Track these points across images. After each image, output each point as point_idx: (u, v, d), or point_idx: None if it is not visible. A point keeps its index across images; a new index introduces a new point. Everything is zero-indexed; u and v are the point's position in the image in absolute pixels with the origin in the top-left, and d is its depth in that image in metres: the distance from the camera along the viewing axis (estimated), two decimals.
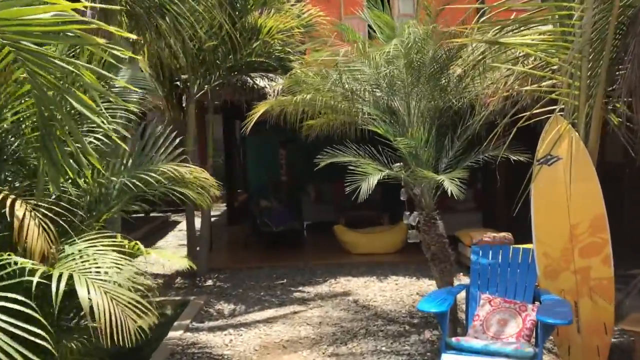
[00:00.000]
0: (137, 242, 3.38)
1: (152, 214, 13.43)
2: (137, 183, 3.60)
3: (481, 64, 5.06)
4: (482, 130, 5.17)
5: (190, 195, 3.93)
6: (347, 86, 5.19)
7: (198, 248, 8.06)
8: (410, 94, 5.19)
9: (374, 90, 5.31)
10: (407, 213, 5.42)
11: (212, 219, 13.46)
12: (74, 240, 3.02)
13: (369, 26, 5.84)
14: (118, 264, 2.92)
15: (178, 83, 8.00)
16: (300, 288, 7.15)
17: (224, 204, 15.71)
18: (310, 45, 7.46)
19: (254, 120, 6.09)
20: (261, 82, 7.83)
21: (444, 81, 5.30)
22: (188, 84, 7.56)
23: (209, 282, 7.57)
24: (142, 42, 5.85)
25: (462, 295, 4.68)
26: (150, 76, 7.85)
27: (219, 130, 17.06)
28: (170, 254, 3.52)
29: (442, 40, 5.05)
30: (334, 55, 5.24)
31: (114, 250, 2.99)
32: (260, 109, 5.96)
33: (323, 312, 6.16)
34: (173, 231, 12.15)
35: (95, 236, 3.11)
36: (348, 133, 5.91)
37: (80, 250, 2.94)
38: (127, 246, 3.24)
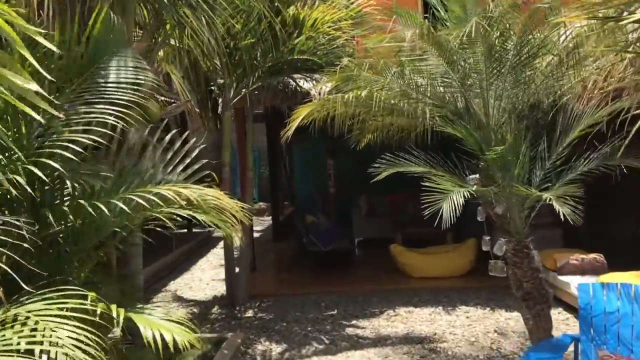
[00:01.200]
0: (111, 305, 2.39)
1: (194, 229, 12.73)
2: (123, 207, 2.65)
3: (581, 48, 3.95)
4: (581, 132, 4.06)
5: (205, 220, 2.99)
6: (410, 80, 4.16)
7: (237, 269, 7.14)
8: (488, 89, 4.13)
9: (444, 85, 4.26)
10: (487, 238, 4.30)
11: (256, 234, 12.75)
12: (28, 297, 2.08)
13: (432, 8, 4.77)
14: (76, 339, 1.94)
15: (213, 87, 7.15)
16: (354, 322, 6.10)
17: (269, 217, 14.87)
18: (362, 31, 6.45)
19: (295, 126, 5.12)
20: (305, 85, 6.88)
21: (529, 72, 4.20)
22: (224, 88, 6.68)
23: (249, 313, 6.63)
24: (161, 36, 4.98)
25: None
26: (183, 78, 7.11)
27: (262, 139, 16.30)
28: (167, 324, 2.58)
29: (531, 18, 3.97)
30: (393, 42, 4.20)
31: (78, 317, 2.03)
32: (302, 112, 4.99)
33: (382, 356, 5.11)
34: (215, 248, 11.31)
35: (57, 294, 2.16)
36: (407, 138, 4.92)
37: (29, 313, 2.00)
38: (98, 309, 2.28)
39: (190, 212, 2.95)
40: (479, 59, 4.09)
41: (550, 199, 3.13)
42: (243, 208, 3.25)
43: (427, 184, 3.45)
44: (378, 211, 10.89)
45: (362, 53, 5.62)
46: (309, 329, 5.95)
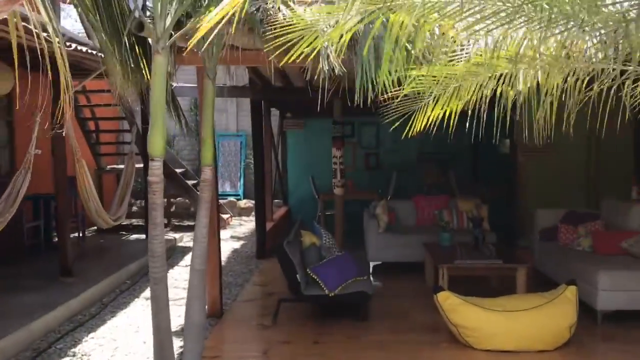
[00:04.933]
0: None
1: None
2: None
3: None
4: None
5: None
6: None
7: (183, 323, 4.10)
8: None
9: None
10: None
11: (236, 244, 9.72)
12: None
13: None
14: None
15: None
16: None
17: (252, 220, 11.82)
18: None
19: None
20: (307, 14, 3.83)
21: None
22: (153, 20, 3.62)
23: None
24: None
25: None
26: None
27: (246, 120, 13.19)
28: None
29: None
30: None
31: None
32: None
33: None
34: (178, 266, 8.31)
35: None
36: None
37: None
38: None
39: None
40: None
41: None
42: None
43: None
44: (402, 222, 7.91)
45: None
46: None
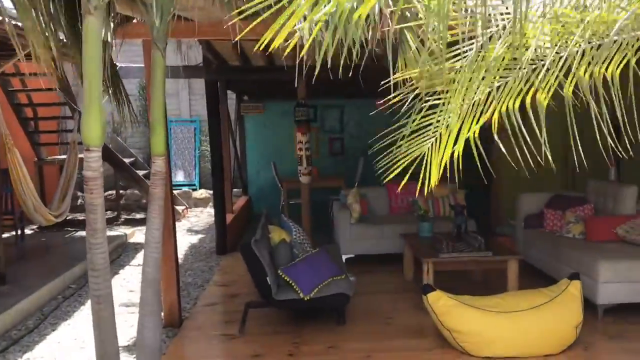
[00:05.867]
0: None
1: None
2: None
3: None
4: None
5: None
6: None
7: (136, 338, 3.41)
8: None
9: None
10: None
11: (194, 239, 8.85)
12: None
13: None
14: None
15: None
16: None
17: (210, 211, 11.03)
18: None
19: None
20: None
21: None
22: None
23: None
24: None
25: None
26: None
27: (200, 105, 12.45)
28: None
29: None
30: None
31: None
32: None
33: None
34: (126, 267, 7.53)
35: None
36: None
37: None
38: None
39: None
40: None
41: None
42: None
43: None
44: (376, 212, 7.36)
45: None
46: None
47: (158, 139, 3.48)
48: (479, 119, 2.15)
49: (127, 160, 10.98)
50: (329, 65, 1.88)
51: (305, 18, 1.62)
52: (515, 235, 6.45)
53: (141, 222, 10.04)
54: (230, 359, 4.29)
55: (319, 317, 4.92)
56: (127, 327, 4.95)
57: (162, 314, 5.03)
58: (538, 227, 6.07)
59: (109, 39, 3.46)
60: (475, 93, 2.11)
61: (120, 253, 8.14)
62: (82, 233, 8.85)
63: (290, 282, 4.54)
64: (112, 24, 3.50)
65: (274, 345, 4.40)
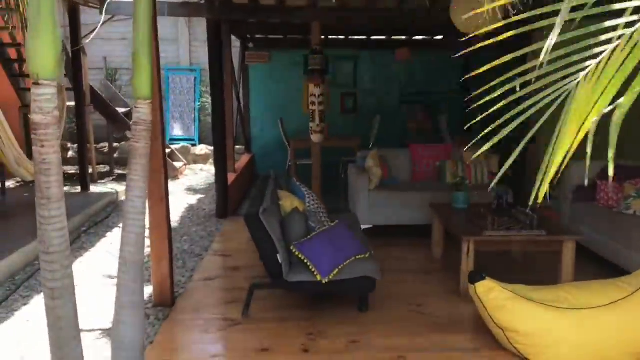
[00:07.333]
0: None
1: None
2: None
3: None
4: None
5: None
6: None
7: (119, 331, 2.62)
8: None
9: None
10: None
11: (193, 200, 7.77)
12: None
13: None
14: None
15: None
16: None
17: (210, 169, 10.14)
18: None
19: None
20: None
21: None
22: None
23: None
24: None
25: None
26: None
27: (201, 52, 11.57)
28: None
29: None
30: None
31: None
32: None
33: None
34: (105, 238, 6.74)
35: None
36: None
37: None
38: None
39: None
40: None
41: None
42: None
43: None
44: (398, 176, 6.53)
45: None
46: None
47: (141, 77, 2.62)
48: None
49: (121, 111, 10.09)
50: None
51: None
52: (559, 208, 5.64)
53: None
54: (232, 354, 3.52)
55: (337, 301, 4.15)
56: (110, 305, 4.17)
57: (152, 292, 4.26)
58: (588, 201, 5.25)
59: None
60: None
61: (110, 213, 7.35)
62: (68, 188, 8.05)
63: (305, 260, 3.74)
64: None
65: (284, 337, 3.63)
